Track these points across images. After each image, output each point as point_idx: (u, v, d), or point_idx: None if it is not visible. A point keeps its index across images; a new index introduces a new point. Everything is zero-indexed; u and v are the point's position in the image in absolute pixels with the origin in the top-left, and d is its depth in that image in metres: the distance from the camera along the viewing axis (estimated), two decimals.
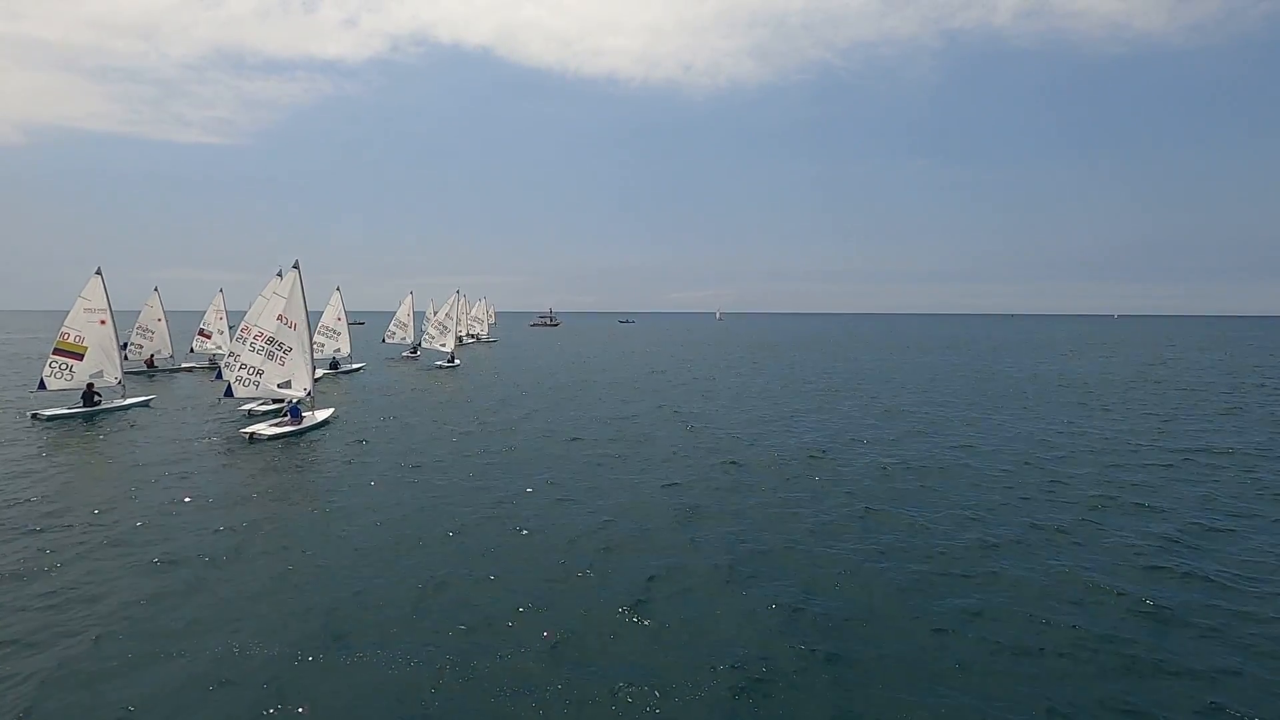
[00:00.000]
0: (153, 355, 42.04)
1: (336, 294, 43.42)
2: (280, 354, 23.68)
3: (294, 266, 24.15)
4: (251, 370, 23.13)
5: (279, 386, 23.68)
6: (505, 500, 15.37)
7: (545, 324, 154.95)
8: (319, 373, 42.85)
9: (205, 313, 45.29)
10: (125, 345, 57.12)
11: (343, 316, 43.85)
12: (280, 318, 23.73)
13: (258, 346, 23.33)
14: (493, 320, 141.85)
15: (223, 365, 32.98)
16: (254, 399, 24.64)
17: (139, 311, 41.88)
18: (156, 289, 41.77)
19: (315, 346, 42.60)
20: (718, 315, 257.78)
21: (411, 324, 56.80)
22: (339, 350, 43.72)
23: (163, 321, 42.37)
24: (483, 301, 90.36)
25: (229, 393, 22.90)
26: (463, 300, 79.31)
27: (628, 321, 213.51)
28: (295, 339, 24.01)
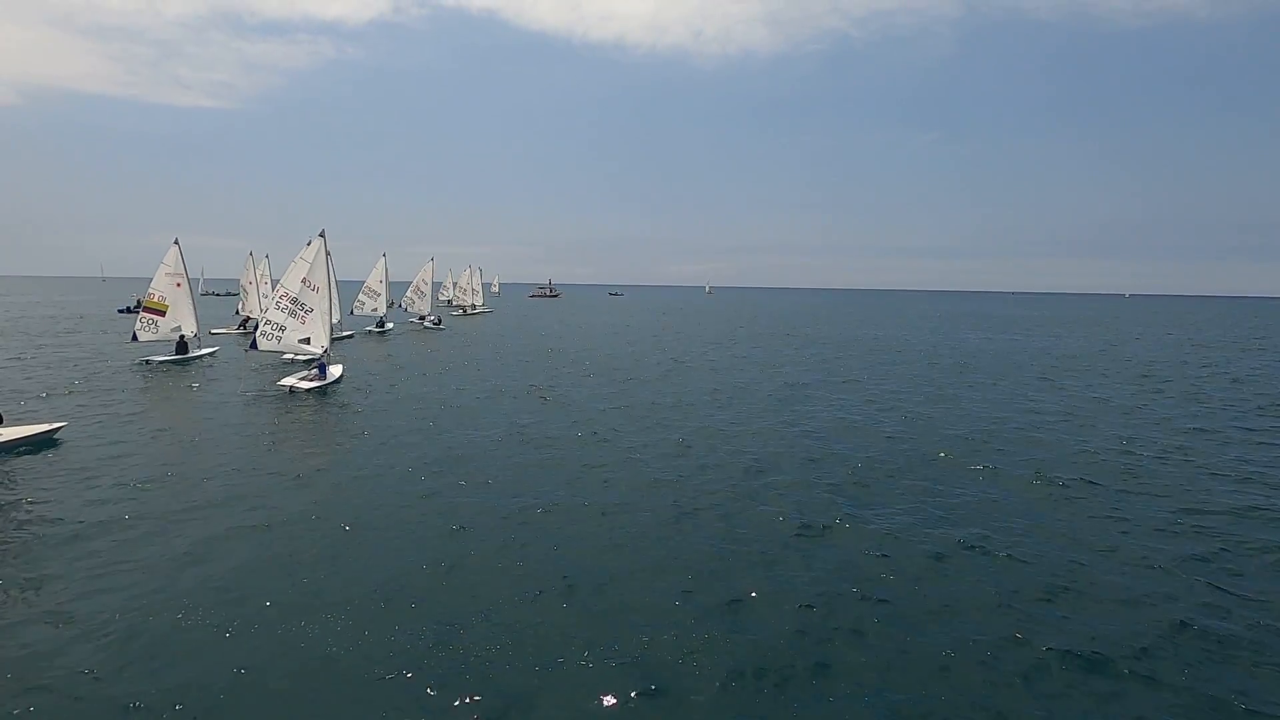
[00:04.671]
0: (248, 316, 47.72)
1: (382, 259, 47.85)
2: (302, 313, 26.59)
3: (320, 235, 26.89)
4: (275, 326, 26.22)
5: (299, 342, 26.65)
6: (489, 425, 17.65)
7: (545, 295, 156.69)
8: (370, 328, 47.69)
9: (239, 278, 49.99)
10: (129, 309, 62.64)
11: (384, 279, 48.02)
12: (304, 280, 26.60)
13: (282, 305, 26.35)
14: (496, 291, 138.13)
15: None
16: (278, 352, 27.75)
17: (136, 278, 47.64)
18: (258, 254, 47.50)
19: (356, 305, 47.25)
20: (707, 289, 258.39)
21: (429, 292, 59.30)
22: (376, 310, 48.00)
23: (254, 284, 47.88)
24: (479, 272, 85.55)
25: (253, 345, 26.15)
26: (469, 271, 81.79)
27: (617, 294, 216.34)
28: (316, 300, 26.82)
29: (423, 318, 56.67)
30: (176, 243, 31.85)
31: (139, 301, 54.52)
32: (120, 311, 67.19)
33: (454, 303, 79.24)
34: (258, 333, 26.22)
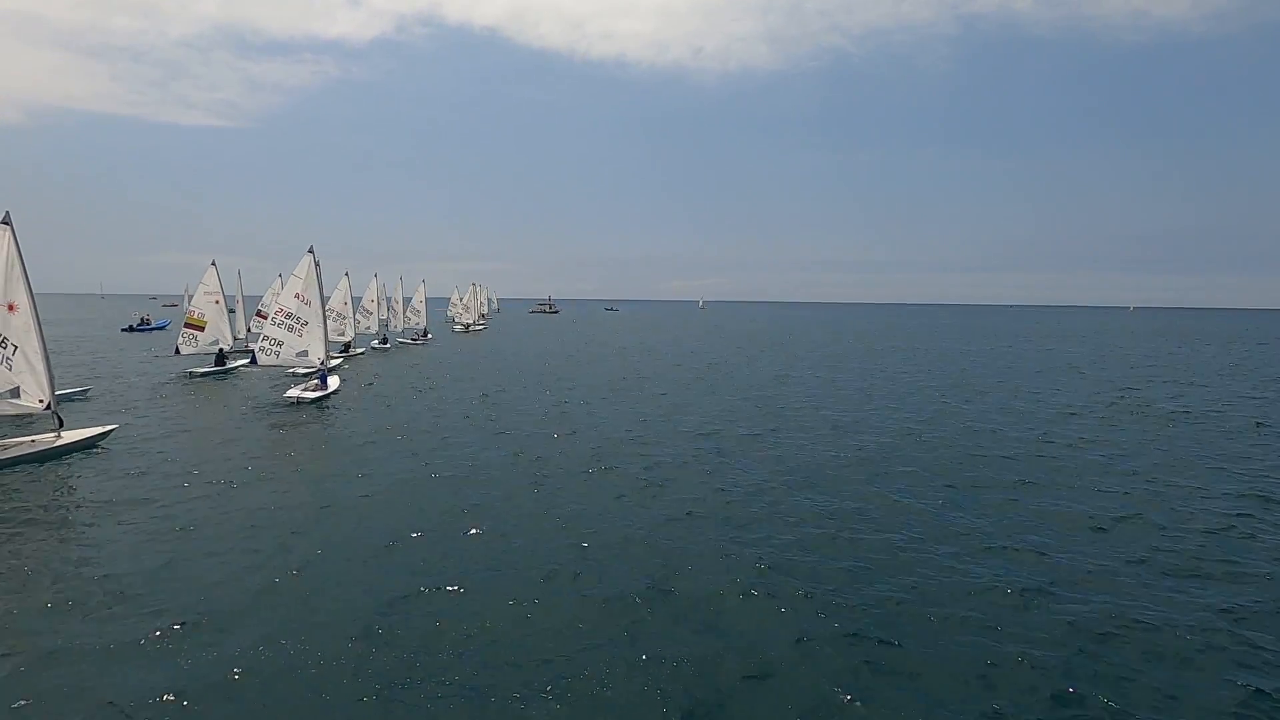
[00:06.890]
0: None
1: (374, 280, 50.80)
2: (299, 327, 27.78)
3: (309, 251, 28.07)
4: (273, 341, 27.51)
5: (297, 356, 27.86)
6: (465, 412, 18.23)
7: (544, 311, 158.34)
8: (373, 344, 48.98)
9: (263, 296, 51.92)
10: (133, 327, 67.02)
11: (376, 298, 50.78)
12: (298, 296, 27.82)
13: (279, 321, 27.64)
14: (496, 308, 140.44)
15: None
16: (277, 366, 29.05)
17: (135, 295, 50.35)
18: (266, 272, 51.11)
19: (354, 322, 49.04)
20: (700, 304, 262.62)
21: (425, 310, 61.98)
22: (369, 328, 50.26)
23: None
24: (483, 289, 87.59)
25: (253, 360, 27.57)
26: (473, 288, 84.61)
27: (612, 310, 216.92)
28: (311, 314, 27.95)
29: (425, 332, 59.50)
30: (214, 264, 34.52)
31: (143, 319, 58.98)
32: (124, 330, 66.47)
33: (458, 320, 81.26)
34: (256, 348, 27.57)
